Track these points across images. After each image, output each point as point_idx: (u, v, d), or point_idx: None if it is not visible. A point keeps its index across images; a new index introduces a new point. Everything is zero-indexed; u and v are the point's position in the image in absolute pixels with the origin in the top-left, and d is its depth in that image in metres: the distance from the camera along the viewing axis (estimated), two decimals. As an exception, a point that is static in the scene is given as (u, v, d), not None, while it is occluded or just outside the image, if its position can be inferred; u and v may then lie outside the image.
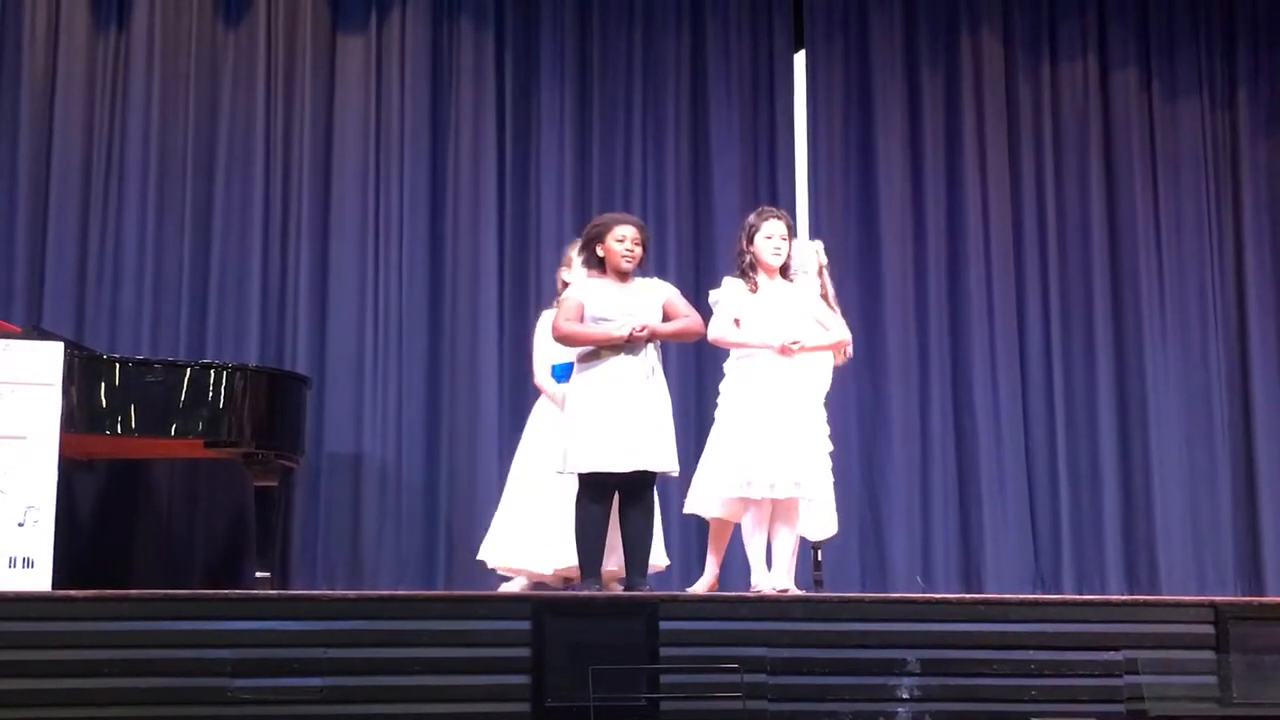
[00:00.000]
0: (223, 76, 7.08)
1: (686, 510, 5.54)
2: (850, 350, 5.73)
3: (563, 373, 5.60)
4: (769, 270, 5.37)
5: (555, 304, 5.68)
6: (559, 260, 6.98)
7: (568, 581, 5.60)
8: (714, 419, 5.40)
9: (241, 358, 6.58)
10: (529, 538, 5.68)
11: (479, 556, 5.87)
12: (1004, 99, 7.72)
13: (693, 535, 7.00)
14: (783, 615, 4.51)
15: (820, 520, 5.54)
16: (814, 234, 7.33)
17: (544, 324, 5.82)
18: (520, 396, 6.57)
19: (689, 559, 6.97)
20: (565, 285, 5.70)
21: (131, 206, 6.87)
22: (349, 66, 7.21)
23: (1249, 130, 7.83)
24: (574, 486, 5.21)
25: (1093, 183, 7.67)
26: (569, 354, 5.47)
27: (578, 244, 5.69)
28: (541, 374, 5.84)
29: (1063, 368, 7.50)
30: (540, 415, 5.87)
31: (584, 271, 5.36)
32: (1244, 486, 7.50)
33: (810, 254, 5.70)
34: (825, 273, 5.72)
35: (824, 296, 5.60)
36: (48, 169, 6.83)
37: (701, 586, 5.56)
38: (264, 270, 6.95)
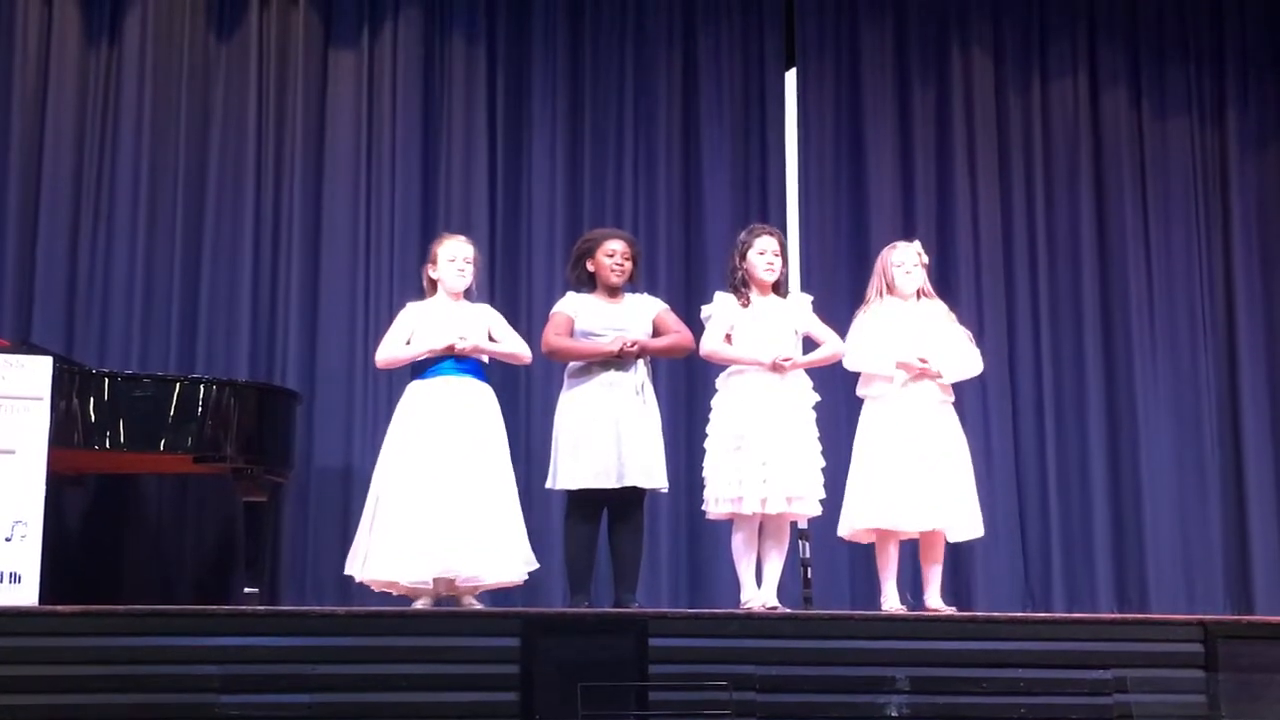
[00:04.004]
0: (214, 90, 7.06)
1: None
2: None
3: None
4: (761, 286, 5.38)
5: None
6: (549, 274, 7.02)
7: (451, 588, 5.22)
8: (705, 434, 5.39)
9: (232, 372, 6.56)
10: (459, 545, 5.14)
11: (367, 576, 5.35)
12: (994, 116, 7.72)
13: (683, 552, 6.99)
14: (772, 633, 4.52)
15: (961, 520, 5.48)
16: (803, 249, 7.36)
17: (406, 314, 5.48)
18: (510, 410, 6.53)
19: (678, 575, 6.97)
20: (432, 282, 5.46)
21: (122, 220, 6.84)
22: (341, 81, 7.19)
23: (1238, 148, 7.84)
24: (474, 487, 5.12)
25: (1083, 200, 7.67)
26: (416, 345, 5.31)
27: (444, 240, 5.54)
28: (384, 353, 5.47)
29: (1053, 384, 7.49)
30: (409, 408, 5.39)
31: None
32: (1234, 505, 7.48)
33: (912, 253, 5.56)
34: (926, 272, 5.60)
35: (920, 291, 5.54)
36: (38, 182, 6.80)
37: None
38: (254, 285, 6.92)
